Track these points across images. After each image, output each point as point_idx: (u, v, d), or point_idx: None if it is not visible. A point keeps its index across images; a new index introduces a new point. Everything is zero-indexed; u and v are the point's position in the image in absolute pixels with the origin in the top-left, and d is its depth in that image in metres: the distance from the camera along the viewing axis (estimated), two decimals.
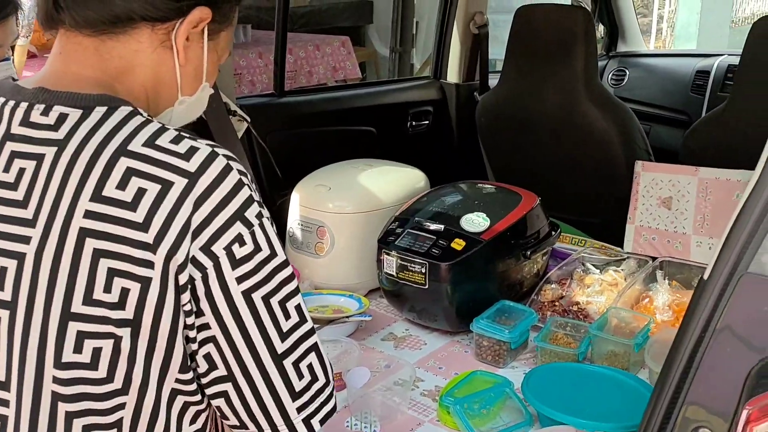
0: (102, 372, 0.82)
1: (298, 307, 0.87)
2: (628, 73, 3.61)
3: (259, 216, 0.84)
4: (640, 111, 3.36)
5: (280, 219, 2.04)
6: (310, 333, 0.89)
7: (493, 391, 1.41)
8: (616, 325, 1.61)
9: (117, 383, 0.83)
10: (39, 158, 0.83)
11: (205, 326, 0.83)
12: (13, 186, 0.84)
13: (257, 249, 0.83)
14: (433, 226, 1.67)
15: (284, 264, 0.86)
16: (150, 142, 0.83)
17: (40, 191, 0.82)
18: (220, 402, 0.87)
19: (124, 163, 0.81)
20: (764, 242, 0.79)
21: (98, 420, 0.84)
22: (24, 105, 0.86)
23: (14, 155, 0.85)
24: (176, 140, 0.84)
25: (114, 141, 0.83)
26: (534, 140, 2.45)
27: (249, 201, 0.84)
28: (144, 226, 0.80)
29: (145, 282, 0.80)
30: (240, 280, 0.83)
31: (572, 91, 2.30)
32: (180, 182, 0.81)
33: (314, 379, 0.89)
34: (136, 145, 0.82)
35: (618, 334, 1.57)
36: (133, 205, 0.80)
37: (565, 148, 2.39)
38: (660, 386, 0.84)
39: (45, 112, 0.85)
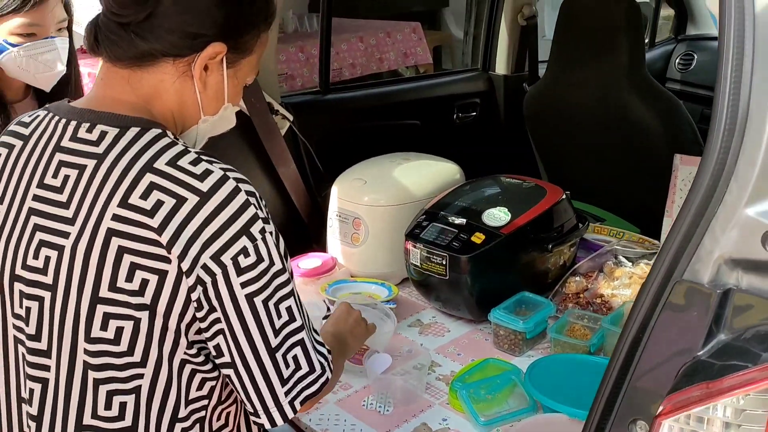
0: (123, 347, 0.99)
1: (288, 309, 1.01)
2: (696, 56, 3.53)
3: (263, 231, 0.98)
4: (707, 96, 3.29)
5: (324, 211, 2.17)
6: (299, 330, 1.03)
7: (499, 378, 1.49)
8: None
9: (136, 357, 0.99)
10: (81, 168, 1.00)
11: (217, 320, 0.98)
12: (59, 190, 1.01)
13: (260, 260, 0.98)
14: (457, 221, 1.76)
15: (281, 271, 1.00)
16: (172, 162, 0.98)
17: (80, 195, 0.99)
18: (229, 382, 1.03)
19: (148, 178, 0.96)
20: (698, 251, 0.85)
21: (119, 386, 1.00)
22: (74, 123, 1.04)
23: (62, 164, 1.02)
24: (194, 162, 0.99)
25: (143, 158, 0.98)
26: (579, 131, 2.47)
27: (254, 218, 0.98)
28: (159, 231, 0.95)
29: (162, 275, 0.96)
30: (244, 285, 0.97)
31: (615, 82, 2.30)
32: (192, 199, 0.95)
33: (297, 367, 1.03)
34: (160, 164, 0.97)
35: None
36: (152, 213, 0.95)
37: (609, 139, 2.40)
38: (602, 380, 0.91)
39: (89, 130, 1.02)
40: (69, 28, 1.71)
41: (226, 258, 0.96)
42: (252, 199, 0.99)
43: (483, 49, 2.74)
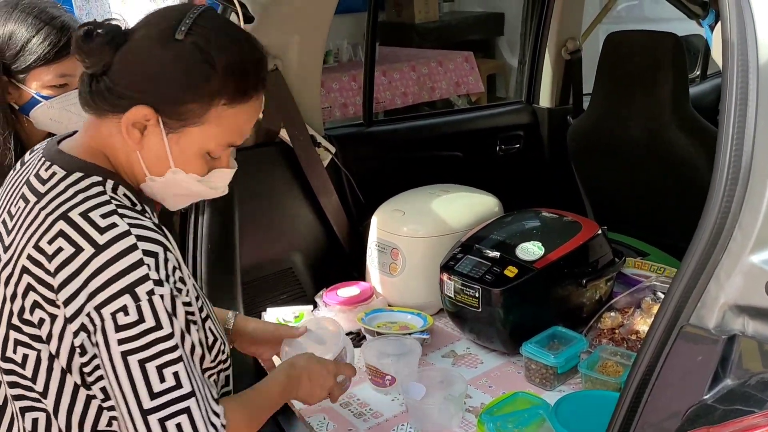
0: (29, 372, 1.07)
1: (175, 374, 1.01)
2: None
3: (151, 293, 1.00)
4: None
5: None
6: (185, 397, 1.02)
7: (527, 413, 1.50)
8: None
9: (39, 385, 1.07)
10: (27, 203, 1.09)
11: (98, 367, 1.03)
12: (12, 218, 1.11)
13: (140, 320, 0.99)
14: (491, 254, 1.78)
15: (168, 336, 1.01)
16: (85, 213, 1.03)
17: (17, 227, 1.08)
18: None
19: (59, 225, 1.03)
20: (703, 297, 0.86)
21: (29, 404, 1.08)
22: (42, 160, 1.13)
23: (21, 196, 1.11)
24: (106, 216, 1.03)
25: (65, 205, 1.05)
26: (624, 165, 2.47)
27: (144, 278, 1.00)
28: (53, 275, 1.01)
29: (53, 317, 1.03)
30: (121, 342, 1.00)
31: (659, 116, 2.30)
32: (88, 250, 1.00)
33: None
34: (74, 213, 1.04)
35: None
36: (51, 258, 1.02)
37: (654, 173, 2.39)
38: (610, 422, 0.92)
39: (47, 169, 1.11)
40: None
41: (105, 312, 0.99)
42: (148, 259, 1.00)
43: (527, 82, 2.76)
